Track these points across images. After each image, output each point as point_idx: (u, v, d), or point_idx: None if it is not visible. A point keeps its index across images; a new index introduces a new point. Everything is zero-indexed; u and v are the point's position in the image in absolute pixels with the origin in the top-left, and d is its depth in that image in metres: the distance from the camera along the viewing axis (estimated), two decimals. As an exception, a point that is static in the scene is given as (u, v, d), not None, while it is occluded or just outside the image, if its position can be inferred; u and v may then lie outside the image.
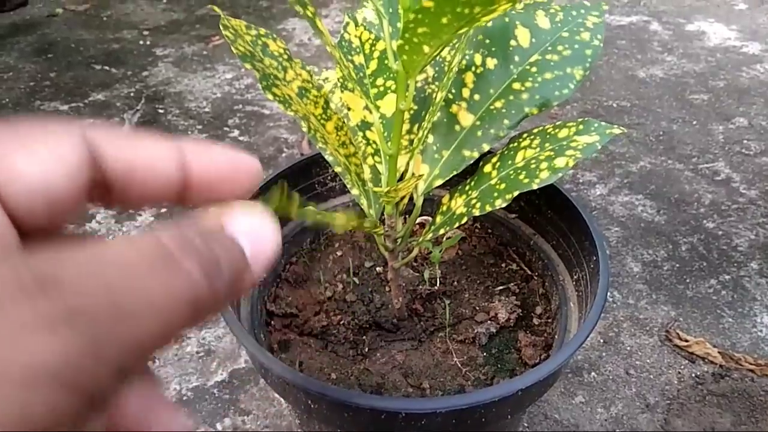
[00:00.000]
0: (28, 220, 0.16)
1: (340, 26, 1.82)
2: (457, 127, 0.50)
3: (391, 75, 0.52)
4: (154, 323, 0.14)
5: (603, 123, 0.45)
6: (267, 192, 0.23)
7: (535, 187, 0.43)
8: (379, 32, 0.54)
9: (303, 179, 0.68)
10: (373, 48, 0.52)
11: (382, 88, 0.52)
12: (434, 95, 0.51)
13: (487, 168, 0.49)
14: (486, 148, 0.50)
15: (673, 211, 1.01)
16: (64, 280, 0.13)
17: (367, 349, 0.59)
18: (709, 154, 1.15)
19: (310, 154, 0.67)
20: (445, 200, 0.52)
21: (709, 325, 0.82)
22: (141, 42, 1.59)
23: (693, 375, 0.76)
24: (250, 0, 1.84)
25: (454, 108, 0.50)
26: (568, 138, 0.45)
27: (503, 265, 0.68)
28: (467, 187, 0.50)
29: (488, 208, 0.45)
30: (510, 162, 0.47)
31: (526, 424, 0.70)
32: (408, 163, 0.51)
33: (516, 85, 0.48)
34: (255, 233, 0.18)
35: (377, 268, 0.67)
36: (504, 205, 0.44)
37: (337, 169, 0.55)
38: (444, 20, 0.29)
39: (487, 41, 0.49)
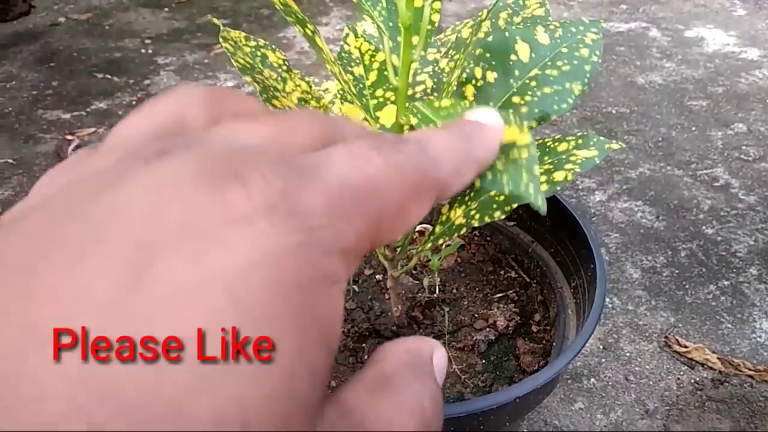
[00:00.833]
0: None
1: (340, 34, 1.82)
2: (456, 138, 0.51)
3: (391, 87, 0.53)
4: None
5: (602, 138, 0.46)
6: None
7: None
8: (378, 44, 0.55)
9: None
10: (372, 59, 0.53)
11: (381, 99, 0.53)
12: (433, 107, 0.52)
13: (486, 179, 0.50)
14: (484, 158, 0.50)
15: (672, 217, 1.02)
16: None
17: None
18: (708, 160, 1.16)
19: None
20: (444, 210, 0.53)
21: (709, 331, 0.83)
22: (143, 50, 1.60)
23: (692, 381, 0.76)
24: (251, 8, 1.85)
25: (453, 119, 0.51)
26: (567, 152, 0.46)
27: (502, 272, 0.69)
28: (466, 198, 0.51)
29: (487, 220, 0.46)
30: (508, 173, 0.48)
31: (525, 431, 0.71)
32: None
33: (515, 99, 0.49)
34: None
35: (377, 276, 0.68)
36: (503, 216, 0.45)
37: (338, 180, 0.55)
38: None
39: (488, 55, 0.50)
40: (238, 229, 0.12)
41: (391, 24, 0.47)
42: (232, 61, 0.46)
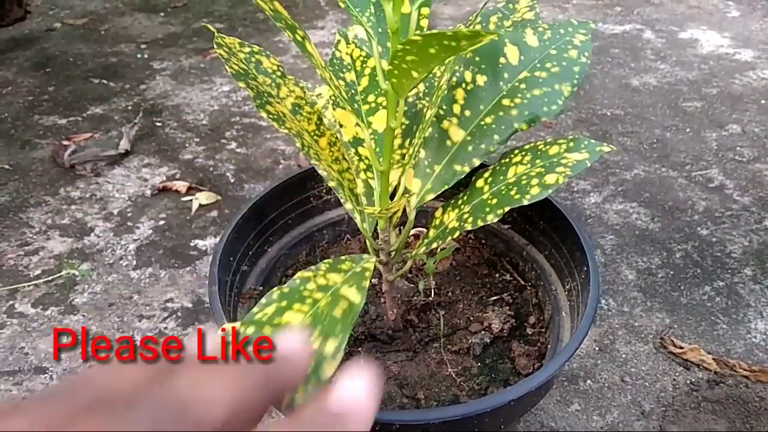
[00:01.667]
0: None
1: (335, 38, 1.82)
2: (449, 143, 0.51)
3: (382, 92, 0.53)
4: None
5: (593, 141, 0.46)
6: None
7: (525, 203, 0.44)
8: (370, 49, 0.55)
9: (298, 193, 0.69)
10: (364, 65, 0.53)
11: (373, 104, 0.53)
12: (425, 111, 0.52)
13: (480, 183, 0.50)
14: (477, 162, 0.51)
15: (667, 219, 1.02)
16: None
17: (362, 361, 0.60)
18: (702, 161, 1.16)
19: (307, 167, 0.68)
20: (437, 214, 0.53)
21: (704, 331, 0.83)
22: (139, 55, 1.61)
23: (688, 382, 0.77)
24: (246, 12, 1.85)
25: (446, 123, 0.51)
26: (558, 155, 0.46)
27: (497, 275, 0.69)
28: (460, 202, 0.51)
29: (480, 223, 0.46)
30: (502, 177, 0.48)
31: (522, 433, 0.71)
32: (400, 178, 0.52)
33: (506, 102, 0.49)
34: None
35: (372, 280, 0.68)
36: (495, 219, 0.45)
37: (331, 184, 0.56)
38: (432, 50, 0.30)
39: (477, 59, 0.50)
40: None
41: (380, 30, 0.47)
42: (226, 66, 0.46)
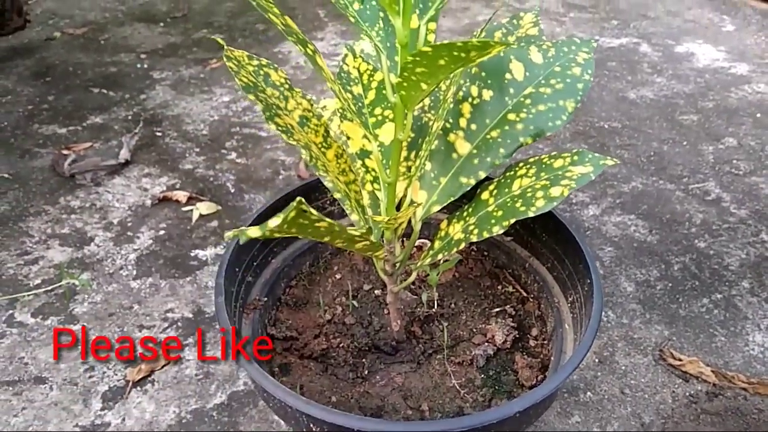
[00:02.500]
0: None
1: (335, 49, 1.82)
2: (455, 155, 0.52)
3: (389, 105, 0.53)
4: None
5: (596, 154, 0.47)
6: (271, 216, 0.24)
7: (531, 215, 0.44)
8: (376, 63, 0.56)
9: (302, 204, 0.69)
10: (371, 78, 0.54)
11: (380, 117, 0.54)
12: (431, 124, 0.53)
13: (485, 195, 0.51)
14: (482, 175, 0.51)
15: (665, 231, 1.03)
16: None
17: (366, 372, 0.60)
18: (699, 174, 1.17)
19: (309, 179, 0.69)
20: (443, 226, 0.54)
21: (702, 344, 0.83)
22: (138, 65, 1.61)
23: (687, 394, 0.77)
24: (246, 23, 1.86)
25: (452, 137, 0.52)
26: (563, 168, 0.47)
27: (499, 287, 0.69)
28: (465, 214, 0.52)
29: (485, 235, 0.46)
30: (507, 190, 0.49)
31: (523, 445, 0.71)
32: (406, 189, 0.52)
33: (511, 116, 0.50)
34: None
35: (376, 291, 0.69)
36: (501, 231, 0.46)
37: (337, 196, 0.56)
38: (441, 62, 0.31)
39: (483, 74, 0.51)
40: None
41: (388, 44, 0.48)
42: (236, 79, 0.47)
